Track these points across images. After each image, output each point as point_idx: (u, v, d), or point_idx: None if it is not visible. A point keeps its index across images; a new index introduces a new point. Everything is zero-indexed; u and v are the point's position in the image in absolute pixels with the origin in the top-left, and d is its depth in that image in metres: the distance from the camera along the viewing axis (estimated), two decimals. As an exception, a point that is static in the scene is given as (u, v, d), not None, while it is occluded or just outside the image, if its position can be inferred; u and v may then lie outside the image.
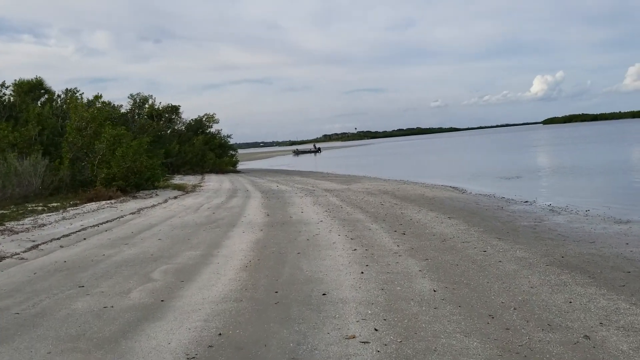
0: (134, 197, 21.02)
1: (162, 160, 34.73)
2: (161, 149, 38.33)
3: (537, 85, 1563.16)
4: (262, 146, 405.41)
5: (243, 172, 49.93)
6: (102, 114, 24.59)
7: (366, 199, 19.70)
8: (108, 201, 19.27)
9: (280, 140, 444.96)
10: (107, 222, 14.80)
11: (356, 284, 7.17)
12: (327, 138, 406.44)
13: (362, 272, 7.87)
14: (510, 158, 49.66)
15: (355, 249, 9.85)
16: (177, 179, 33.30)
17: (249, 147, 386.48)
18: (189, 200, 20.52)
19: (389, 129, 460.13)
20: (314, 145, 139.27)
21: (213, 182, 32.69)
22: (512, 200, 18.86)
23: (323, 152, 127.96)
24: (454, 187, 25.29)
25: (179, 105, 50.63)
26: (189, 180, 33.41)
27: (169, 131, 47.29)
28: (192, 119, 50.79)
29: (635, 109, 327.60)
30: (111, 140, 23.04)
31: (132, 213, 16.64)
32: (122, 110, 45.82)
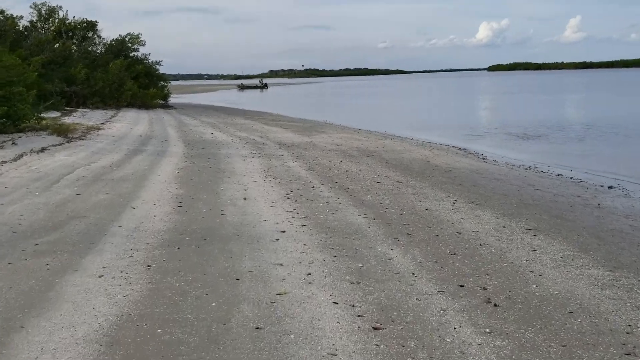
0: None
1: (57, 89, 26.03)
2: (63, 74, 29.39)
3: (483, 32, 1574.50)
4: (206, 78, 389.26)
5: (176, 108, 41.31)
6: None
7: (346, 167, 12.43)
8: None
9: (225, 74, 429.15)
10: None
11: None
12: (274, 74, 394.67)
13: None
14: (492, 106, 43.19)
15: None
16: (77, 116, 24.75)
17: (193, 79, 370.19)
18: (58, 158, 12.56)
19: (336, 68, 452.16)
20: (261, 81, 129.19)
21: (124, 122, 24.37)
22: (582, 181, 12.06)
23: (270, 89, 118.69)
24: (460, 149, 18.33)
25: (96, 22, 41.01)
26: (93, 118, 24.92)
27: (79, 53, 37.78)
28: (112, 39, 41.21)
29: (574, 59, 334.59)
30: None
31: None
32: (23, 23, 36.15)
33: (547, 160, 15.47)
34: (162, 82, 43.78)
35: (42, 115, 18.30)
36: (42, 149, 13.45)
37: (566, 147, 18.98)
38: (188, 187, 9.64)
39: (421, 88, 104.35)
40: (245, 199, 8.69)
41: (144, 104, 35.60)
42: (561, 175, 13.03)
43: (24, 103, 16.03)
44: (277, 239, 6.39)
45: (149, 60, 42.21)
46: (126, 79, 35.65)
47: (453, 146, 18.67)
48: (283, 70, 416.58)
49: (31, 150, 13.25)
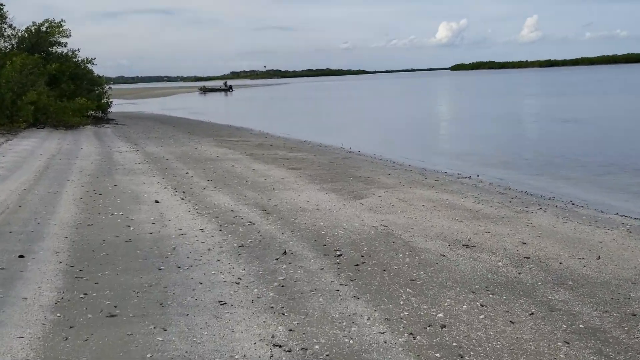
0: None
1: None
2: None
3: (442, 32, 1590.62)
4: (165, 81, 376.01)
5: (118, 123, 29.69)
6: None
7: None
8: None
9: (185, 76, 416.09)
10: None
11: None
12: (235, 75, 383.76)
13: None
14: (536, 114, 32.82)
15: None
16: None
17: (152, 82, 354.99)
18: None
19: (299, 68, 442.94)
20: (225, 83, 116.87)
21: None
22: None
23: (235, 91, 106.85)
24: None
25: (1, 5, 28.96)
26: None
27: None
28: (24, 30, 29.03)
29: (531, 58, 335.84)
30: None
31: None
32: None
33: None
34: (97, 88, 31.88)
35: None
36: None
37: None
38: None
39: (402, 88, 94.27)
40: None
41: (66, 123, 23.73)
42: None
43: None
44: None
45: (77, 58, 30.29)
46: (39, 84, 23.75)
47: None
48: (245, 72, 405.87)
49: None
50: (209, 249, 6.83)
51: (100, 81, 33.09)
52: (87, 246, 6.88)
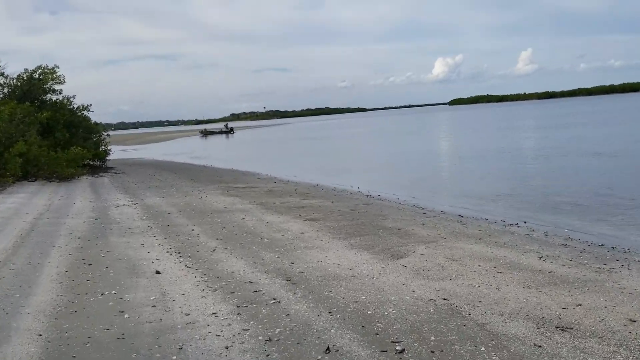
0: None
1: None
2: None
3: (439, 67, 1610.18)
4: (166, 125, 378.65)
5: (117, 171, 28.25)
6: None
7: None
8: None
9: (186, 119, 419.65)
10: None
11: None
12: (236, 117, 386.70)
13: None
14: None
15: None
16: None
17: (153, 126, 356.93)
18: None
19: (298, 108, 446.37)
20: (226, 125, 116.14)
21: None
22: None
23: (236, 133, 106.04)
24: None
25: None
26: None
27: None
28: (17, 77, 27.74)
29: (527, 90, 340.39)
30: None
31: None
32: None
33: None
34: (94, 135, 30.49)
35: None
36: None
37: None
38: None
39: (410, 125, 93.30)
40: None
41: (59, 174, 22.20)
42: None
43: None
44: None
45: (73, 105, 28.95)
46: (30, 134, 22.32)
47: None
48: (245, 113, 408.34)
49: None
50: (226, 347, 5.17)
51: (98, 128, 31.75)
52: (67, 349, 5.21)
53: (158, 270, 7.97)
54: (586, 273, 7.34)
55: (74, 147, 24.56)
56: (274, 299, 6.52)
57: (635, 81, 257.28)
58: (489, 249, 8.91)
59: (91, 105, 30.03)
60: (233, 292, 6.85)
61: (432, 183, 19.98)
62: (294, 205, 14.55)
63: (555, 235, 10.21)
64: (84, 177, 24.04)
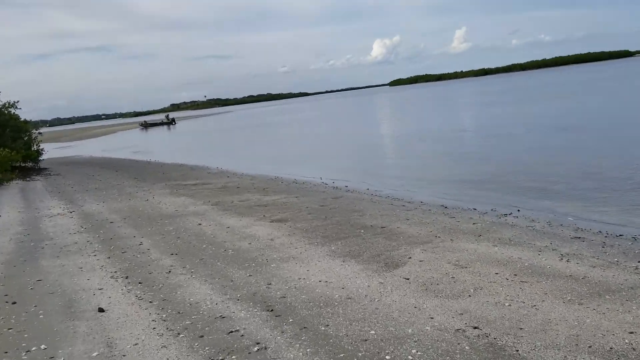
0: None
1: None
2: None
3: (377, 49, 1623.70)
4: (104, 119, 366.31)
5: (51, 173, 25.75)
6: None
7: None
8: None
9: (124, 112, 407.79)
10: None
11: None
12: (176, 107, 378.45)
13: None
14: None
15: None
16: None
17: (90, 121, 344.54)
18: None
19: (239, 95, 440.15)
20: (167, 116, 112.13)
21: None
22: None
23: (178, 124, 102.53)
24: None
25: None
26: None
27: None
28: None
29: (463, 68, 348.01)
30: None
31: None
32: None
33: None
34: (25, 134, 27.76)
35: None
36: None
37: None
38: None
39: (354, 107, 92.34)
40: None
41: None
42: None
43: None
44: None
45: (-4, 103, 26.08)
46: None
47: None
48: (185, 103, 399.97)
49: None
50: None
51: (28, 127, 28.98)
52: None
53: (101, 307, 6.30)
54: (626, 276, 6.16)
55: (1, 149, 22.01)
56: (258, 344, 5.01)
57: (565, 55, 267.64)
58: (495, 248, 7.65)
59: (18, 102, 27.34)
60: (202, 336, 5.29)
61: (398, 169, 18.74)
62: (255, 204, 12.98)
63: (561, 225, 9.07)
64: (14, 182, 21.59)
